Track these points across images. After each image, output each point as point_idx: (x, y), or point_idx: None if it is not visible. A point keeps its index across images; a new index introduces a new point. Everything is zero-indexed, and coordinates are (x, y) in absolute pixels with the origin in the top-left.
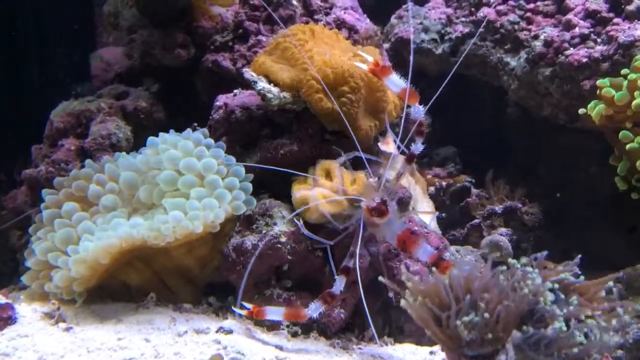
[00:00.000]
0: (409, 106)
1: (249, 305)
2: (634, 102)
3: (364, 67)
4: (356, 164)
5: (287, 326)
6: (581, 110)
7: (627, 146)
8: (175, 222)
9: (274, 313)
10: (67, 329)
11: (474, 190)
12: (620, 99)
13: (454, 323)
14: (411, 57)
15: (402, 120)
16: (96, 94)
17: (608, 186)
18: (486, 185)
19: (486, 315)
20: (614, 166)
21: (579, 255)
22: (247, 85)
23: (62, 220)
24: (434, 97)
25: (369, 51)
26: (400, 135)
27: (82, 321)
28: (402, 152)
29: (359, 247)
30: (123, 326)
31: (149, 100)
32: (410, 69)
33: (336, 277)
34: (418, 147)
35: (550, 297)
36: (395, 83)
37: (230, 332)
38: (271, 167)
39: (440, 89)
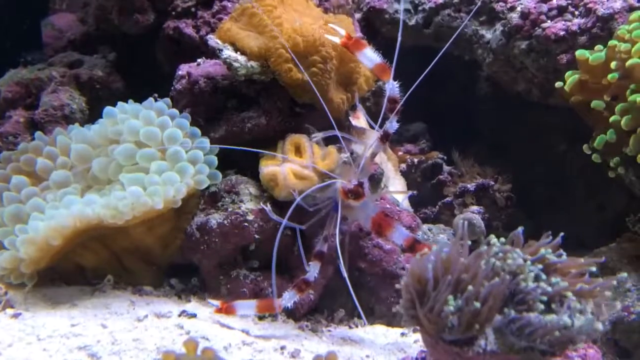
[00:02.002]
0: (383, 82)
1: (216, 302)
2: (609, 76)
3: (336, 40)
4: (327, 139)
5: None
6: (557, 84)
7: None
8: (134, 198)
9: (245, 307)
10: (15, 315)
11: (445, 168)
12: (595, 59)
13: (440, 307)
14: (399, 36)
15: (386, 99)
16: (47, 62)
17: (578, 165)
18: (457, 163)
19: (477, 304)
20: (583, 145)
21: (561, 234)
22: (212, 54)
23: (10, 194)
24: (421, 77)
25: (341, 20)
26: (383, 112)
27: (32, 306)
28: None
29: (337, 228)
30: (77, 311)
31: (106, 70)
32: (398, 44)
33: (310, 263)
34: (393, 125)
35: (532, 276)
36: (370, 58)
37: (193, 316)
38: (243, 148)
39: (429, 68)
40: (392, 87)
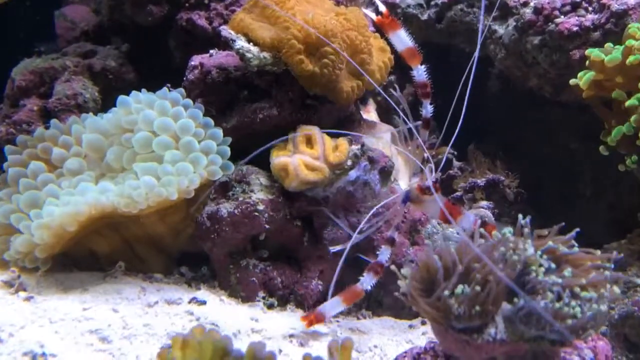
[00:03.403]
0: (411, 68)
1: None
2: (628, 59)
3: (373, 16)
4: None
5: (263, 297)
6: (572, 81)
7: (627, 103)
8: (148, 188)
9: (333, 306)
10: (28, 299)
11: (456, 163)
12: (611, 60)
13: (443, 295)
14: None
15: (417, 84)
16: (61, 52)
17: (589, 162)
18: (468, 158)
19: (477, 288)
20: (594, 142)
21: (577, 229)
22: (224, 45)
23: (27, 180)
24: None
25: (353, 12)
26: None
27: (45, 290)
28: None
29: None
30: (89, 296)
31: (119, 60)
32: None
33: (382, 246)
34: (428, 109)
35: (544, 266)
36: (403, 40)
37: (203, 303)
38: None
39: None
40: (420, 72)
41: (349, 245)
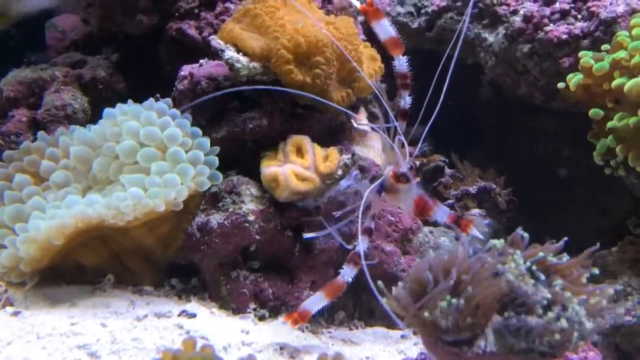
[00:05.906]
0: (393, 58)
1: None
2: (613, 83)
3: (358, 4)
4: (328, 140)
5: (254, 309)
6: (560, 85)
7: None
8: (135, 199)
9: (315, 302)
10: (15, 314)
11: (447, 171)
12: (599, 69)
13: (434, 306)
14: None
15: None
16: (50, 62)
17: (579, 169)
18: (459, 166)
19: (467, 303)
20: (585, 149)
21: (565, 238)
22: (214, 55)
23: (12, 193)
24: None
25: (342, 20)
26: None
27: (32, 305)
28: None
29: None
30: (77, 310)
31: (109, 70)
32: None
33: (360, 236)
34: (407, 100)
35: (531, 281)
36: (385, 29)
37: (193, 315)
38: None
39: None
40: (401, 62)
41: (322, 233)
